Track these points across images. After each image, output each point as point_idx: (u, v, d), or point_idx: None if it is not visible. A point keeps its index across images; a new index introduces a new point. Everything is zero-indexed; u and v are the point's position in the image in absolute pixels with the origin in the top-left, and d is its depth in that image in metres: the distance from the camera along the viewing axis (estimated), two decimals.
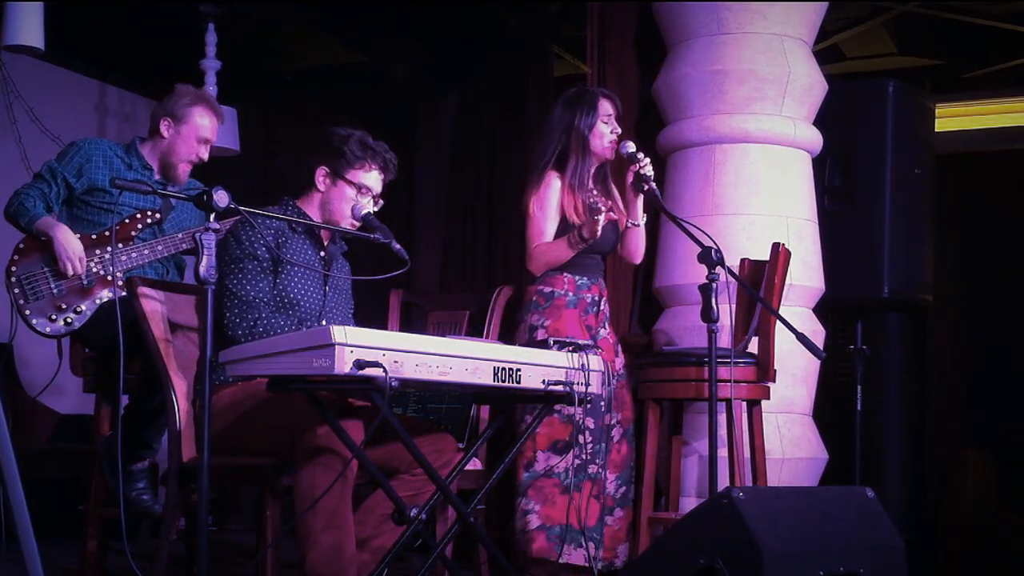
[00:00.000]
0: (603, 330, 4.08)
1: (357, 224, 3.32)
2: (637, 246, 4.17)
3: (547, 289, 4.01)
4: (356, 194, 3.30)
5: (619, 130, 4.05)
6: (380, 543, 3.14)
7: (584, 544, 3.81)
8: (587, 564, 3.85)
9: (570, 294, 4.00)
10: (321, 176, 3.32)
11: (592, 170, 4.05)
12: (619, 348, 4.16)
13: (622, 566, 4.04)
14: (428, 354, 2.83)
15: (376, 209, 3.35)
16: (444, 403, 3.60)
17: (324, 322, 3.28)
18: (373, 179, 3.33)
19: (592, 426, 3.93)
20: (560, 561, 3.86)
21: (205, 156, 4.02)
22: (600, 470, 3.93)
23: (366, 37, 6.37)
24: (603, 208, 3.81)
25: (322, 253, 3.36)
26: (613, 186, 4.16)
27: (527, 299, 4.05)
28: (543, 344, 3.46)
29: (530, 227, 4.00)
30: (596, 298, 4.06)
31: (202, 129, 3.97)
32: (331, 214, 3.32)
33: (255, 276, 3.17)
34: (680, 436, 4.41)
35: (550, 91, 5.82)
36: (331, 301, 3.35)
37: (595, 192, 4.05)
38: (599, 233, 3.82)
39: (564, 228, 3.99)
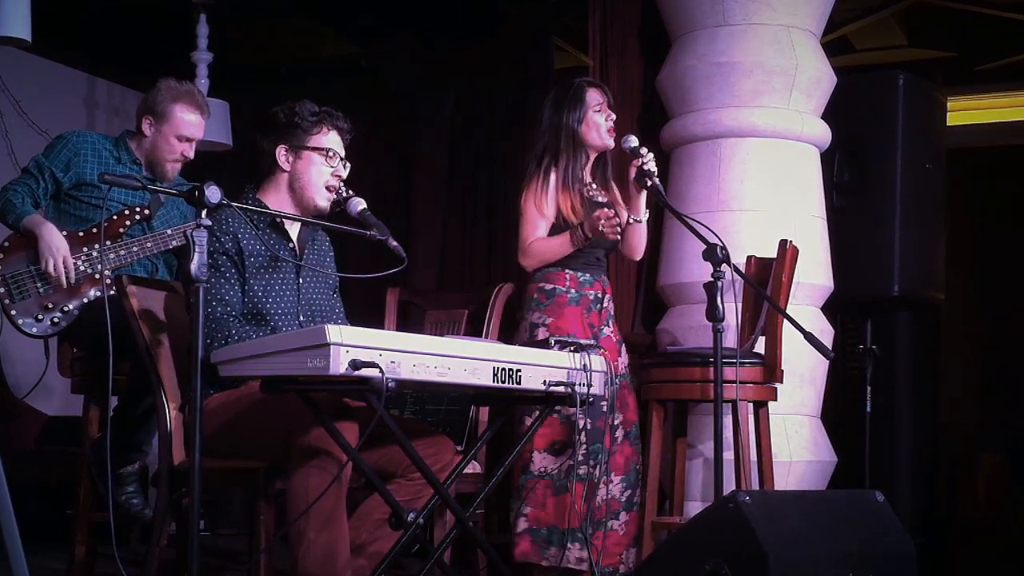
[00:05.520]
0: (607, 328, 4.02)
1: (333, 197, 3.24)
2: (639, 242, 4.12)
3: (548, 286, 3.95)
4: (324, 159, 3.23)
5: (614, 116, 4.01)
6: (376, 548, 3.10)
7: (570, 546, 3.76)
8: (574, 566, 3.78)
9: (572, 291, 3.94)
10: (282, 155, 3.23)
11: (588, 165, 4.01)
12: (623, 348, 4.10)
13: (627, 572, 3.96)
14: (426, 354, 2.79)
15: (345, 173, 3.27)
16: (442, 404, 3.59)
17: (303, 317, 3.21)
18: (334, 140, 3.26)
19: (591, 427, 3.85)
20: (544, 564, 3.81)
21: (190, 154, 3.91)
22: (591, 471, 3.83)
23: (362, 31, 6.32)
24: (603, 200, 3.79)
25: (291, 244, 3.26)
26: (612, 181, 4.09)
27: (528, 296, 4.00)
28: (544, 344, 3.42)
29: (524, 224, 3.97)
30: (599, 295, 4.00)
31: (184, 127, 3.86)
32: (304, 190, 3.23)
33: (219, 287, 3.09)
34: (685, 438, 4.39)
35: (551, 84, 5.75)
36: (308, 291, 3.26)
37: (592, 186, 4.02)
38: (602, 229, 3.75)
39: (558, 228, 3.95)
